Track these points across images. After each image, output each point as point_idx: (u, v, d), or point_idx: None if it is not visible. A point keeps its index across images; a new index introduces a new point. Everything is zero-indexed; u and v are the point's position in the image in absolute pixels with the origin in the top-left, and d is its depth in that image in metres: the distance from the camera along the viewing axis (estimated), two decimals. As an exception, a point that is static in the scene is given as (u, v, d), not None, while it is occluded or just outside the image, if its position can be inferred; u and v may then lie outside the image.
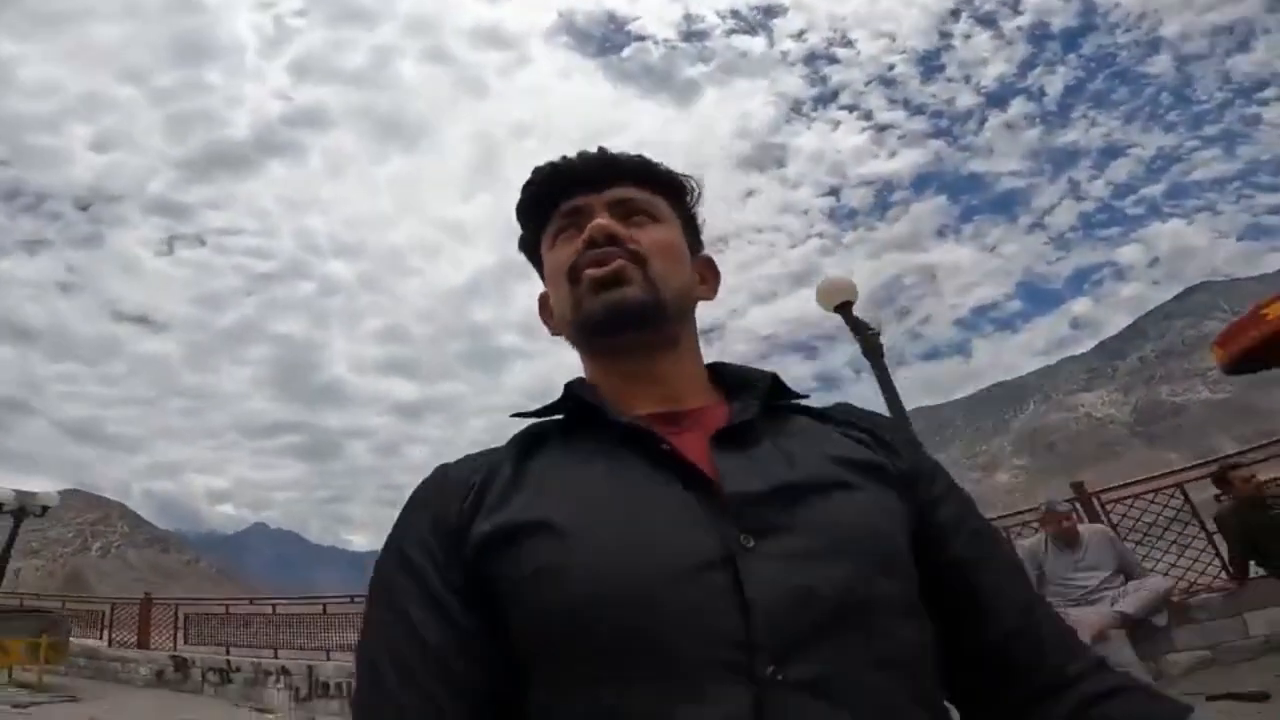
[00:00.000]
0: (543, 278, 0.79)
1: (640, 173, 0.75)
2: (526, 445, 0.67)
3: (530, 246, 0.80)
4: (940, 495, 0.66)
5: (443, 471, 0.67)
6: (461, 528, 0.60)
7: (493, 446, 0.70)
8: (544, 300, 0.80)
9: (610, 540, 0.54)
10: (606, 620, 0.51)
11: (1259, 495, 4.81)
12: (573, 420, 0.69)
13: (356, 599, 10.21)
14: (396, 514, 0.65)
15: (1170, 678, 4.67)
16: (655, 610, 0.51)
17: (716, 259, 0.83)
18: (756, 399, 0.68)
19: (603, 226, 0.69)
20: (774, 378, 0.71)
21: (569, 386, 0.70)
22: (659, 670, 0.49)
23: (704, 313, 0.78)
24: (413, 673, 0.54)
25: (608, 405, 0.66)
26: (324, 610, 10.64)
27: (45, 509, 12.40)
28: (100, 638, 12.42)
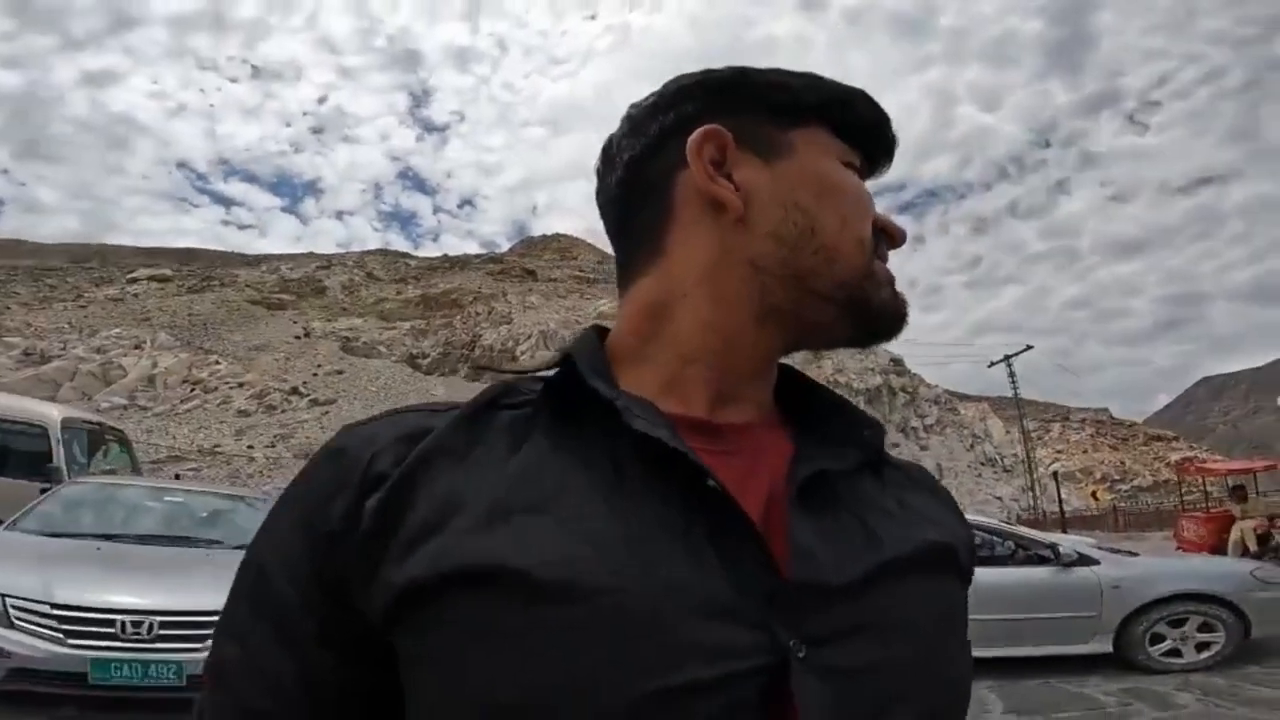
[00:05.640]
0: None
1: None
2: (482, 420, 0.46)
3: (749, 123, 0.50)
4: None
5: (340, 448, 0.45)
6: (362, 557, 0.41)
7: (430, 405, 0.48)
8: (719, 147, 0.49)
9: (608, 618, 0.37)
10: None
11: None
12: (562, 395, 0.47)
13: None
14: None
15: None
16: None
17: None
18: (857, 447, 0.50)
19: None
20: (880, 426, 0.53)
21: (569, 355, 0.47)
22: None
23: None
24: None
25: (631, 402, 0.44)
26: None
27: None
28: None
